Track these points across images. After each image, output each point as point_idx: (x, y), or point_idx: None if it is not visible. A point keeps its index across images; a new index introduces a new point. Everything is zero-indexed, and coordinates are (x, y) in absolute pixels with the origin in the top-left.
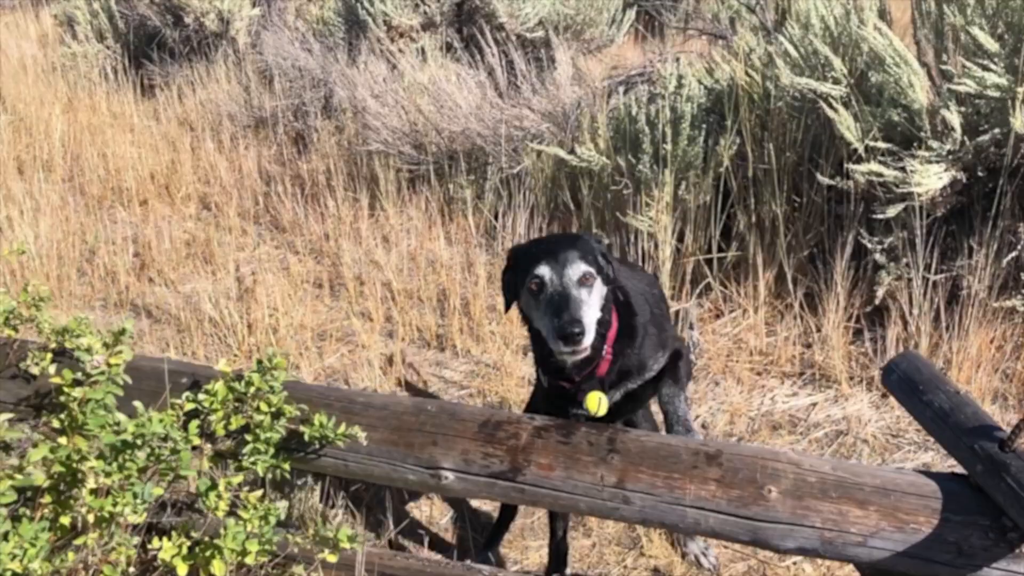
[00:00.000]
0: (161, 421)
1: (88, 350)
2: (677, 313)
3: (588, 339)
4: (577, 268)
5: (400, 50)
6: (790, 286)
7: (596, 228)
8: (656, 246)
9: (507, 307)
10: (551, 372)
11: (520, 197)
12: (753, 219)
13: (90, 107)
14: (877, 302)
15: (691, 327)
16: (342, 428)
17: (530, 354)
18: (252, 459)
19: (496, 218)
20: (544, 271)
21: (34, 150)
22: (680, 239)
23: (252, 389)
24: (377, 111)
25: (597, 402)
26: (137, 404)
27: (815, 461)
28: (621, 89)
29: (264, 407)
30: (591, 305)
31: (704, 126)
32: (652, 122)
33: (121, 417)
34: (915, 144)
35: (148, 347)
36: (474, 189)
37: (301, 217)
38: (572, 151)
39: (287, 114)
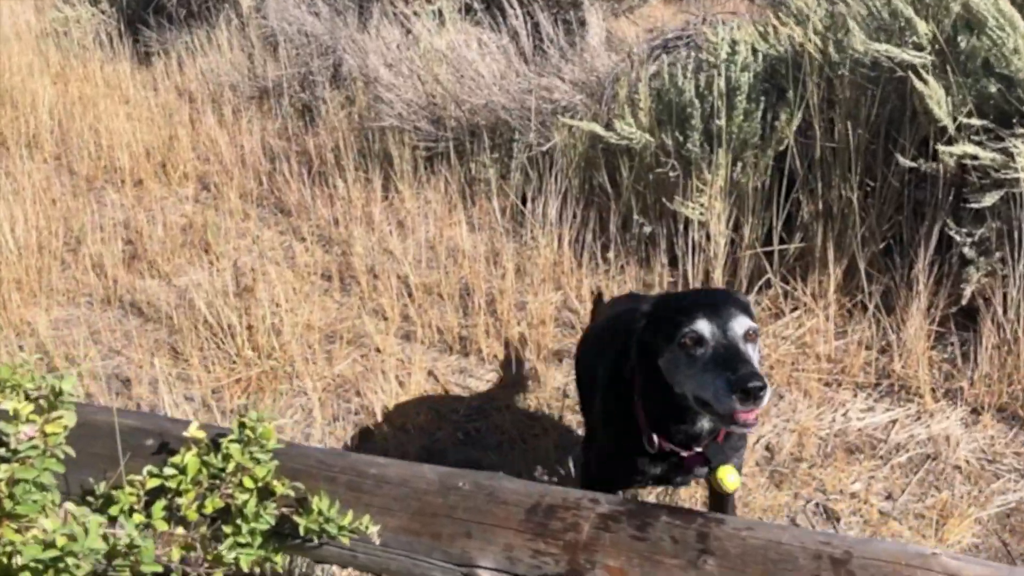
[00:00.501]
0: (108, 519)
1: (15, 417)
2: None
3: (767, 395)
4: (742, 322)
5: (415, 12)
6: (863, 282)
7: (638, 215)
8: (708, 237)
9: (629, 372)
10: (670, 436)
11: (550, 178)
12: (819, 206)
13: (83, 77)
14: (965, 302)
15: None
16: (347, 517)
17: (565, 367)
18: (234, 554)
19: (524, 202)
20: (703, 325)
21: (19, 125)
22: (735, 228)
23: (231, 464)
24: (390, 82)
25: (728, 477)
26: (70, 507)
27: (980, 570)
28: (663, 56)
29: (248, 483)
30: (758, 364)
31: (762, 99)
32: (702, 94)
33: (47, 524)
34: (1015, 120)
35: (135, 353)
36: (498, 169)
37: (308, 199)
38: (609, 126)
39: (293, 84)
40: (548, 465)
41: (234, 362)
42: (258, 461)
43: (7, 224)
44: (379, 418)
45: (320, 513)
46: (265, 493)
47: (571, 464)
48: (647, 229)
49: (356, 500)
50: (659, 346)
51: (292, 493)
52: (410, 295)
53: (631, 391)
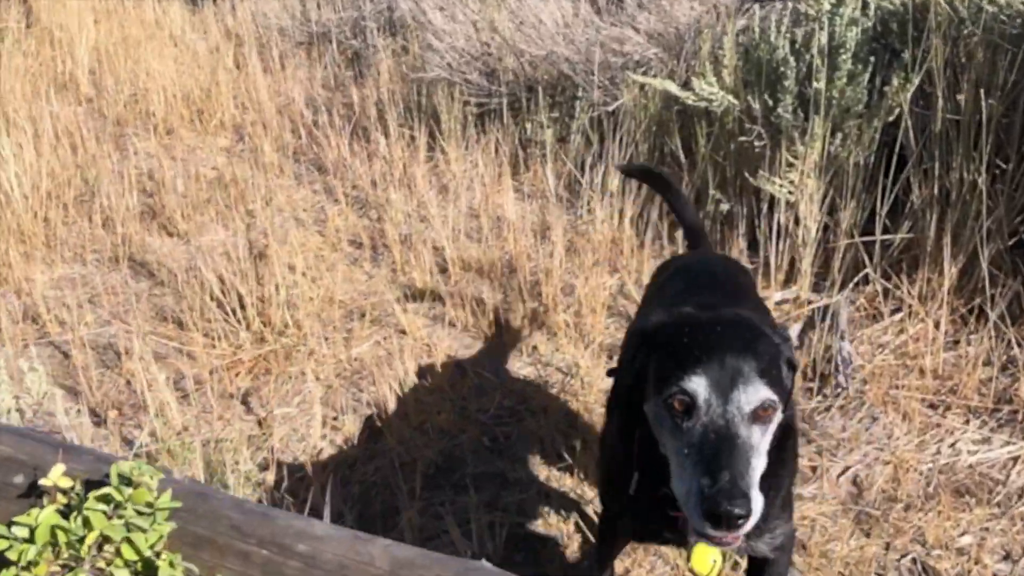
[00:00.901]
0: None
1: None
2: (824, 312)
3: (751, 522)
4: (754, 393)
5: None
6: (984, 284)
7: (714, 190)
8: (797, 220)
9: (617, 394)
10: (655, 484)
11: (614, 143)
12: (935, 190)
13: (131, 17)
14: None
15: (841, 336)
16: None
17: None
18: None
19: (581, 169)
20: (699, 387)
21: (56, 65)
22: (830, 212)
23: (91, 535)
24: (441, 27)
25: (710, 565)
26: None
27: None
28: (754, 8)
29: (128, 553)
30: (761, 455)
31: (871, 59)
32: (798, 51)
33: None
34: None
35: (136, 321)
36: (556, 131)
37: (347, 156)
38: (687, 85)
39: (344, 30)
40: (585, 484)
41: (242, 338)
42: (131, 530)
43: (18, 169)
44: (393, 414)
45: None
46: (149, 571)
47: None
48: (724, 207)
49: None
50: (648, 387)
51: None
52: (445, 270)
53: (636, 420)
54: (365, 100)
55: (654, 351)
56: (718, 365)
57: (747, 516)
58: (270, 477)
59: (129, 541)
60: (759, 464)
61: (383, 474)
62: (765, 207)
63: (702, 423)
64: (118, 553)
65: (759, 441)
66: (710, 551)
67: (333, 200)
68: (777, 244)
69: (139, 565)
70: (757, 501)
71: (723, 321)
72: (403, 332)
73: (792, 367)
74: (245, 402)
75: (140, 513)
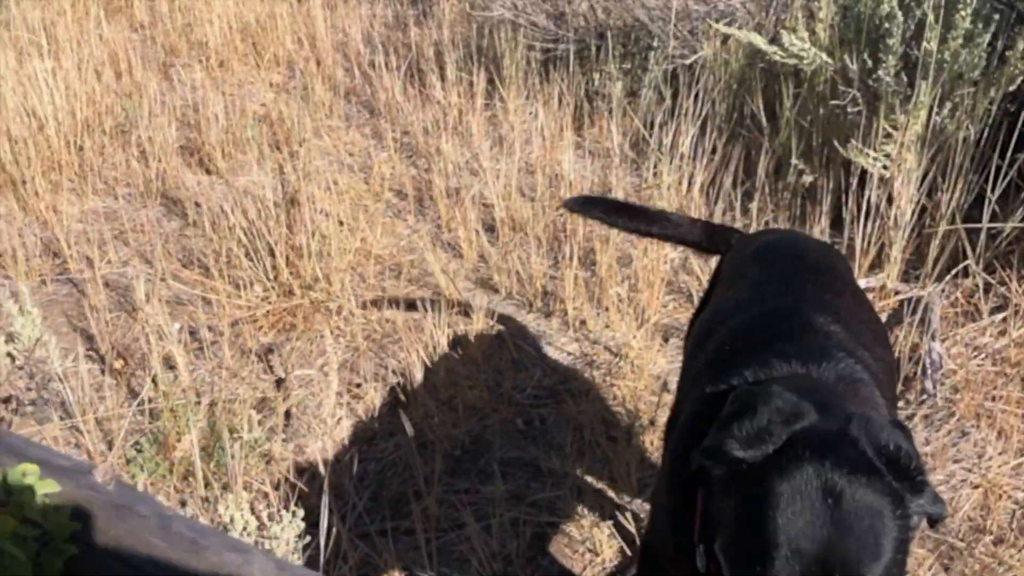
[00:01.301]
0: None
1: None
2: (913, 306)
3: None
4: None
5: None
6: None
7: (797, 159)
8: (890, 199)
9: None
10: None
11: (689, 100)
12: None
13: None
14: None
15: (932, 336)
16: None
17: (672, 340)
18: None
19: (651, 127)
20: None
21: None
22: (930, 193)
23: None
24: None
25: None
26: None
27: None
28: None
29: None
30: None
31: (994, 18)
32: (907, 6)
33: None
34: None
35: (160, 263)
36: (626, 83)
37: (400, 100)
38: (775, 40)
39: None
40: (626, 484)
41: (268, 290)
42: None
43: (56, 93)
44: (420, 385)
45: None
46: None
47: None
48: (807, 178)
49: None
50: (717, 521)
51: None
52: (493, 230)
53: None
54: (424, 41)
55: (737, 482)
56: (816, 566)
57: None
58: (277, 448)
59: None
60: None
61: (403, 453)
62: (854, 182)
63: None
64: None
65: None
66: None
67: (381, 146)
68: (865, 225)
69: None
70: None
71: (837, 492)
72: (440, 295)
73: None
74: (264, 359)
75: (23, 539)
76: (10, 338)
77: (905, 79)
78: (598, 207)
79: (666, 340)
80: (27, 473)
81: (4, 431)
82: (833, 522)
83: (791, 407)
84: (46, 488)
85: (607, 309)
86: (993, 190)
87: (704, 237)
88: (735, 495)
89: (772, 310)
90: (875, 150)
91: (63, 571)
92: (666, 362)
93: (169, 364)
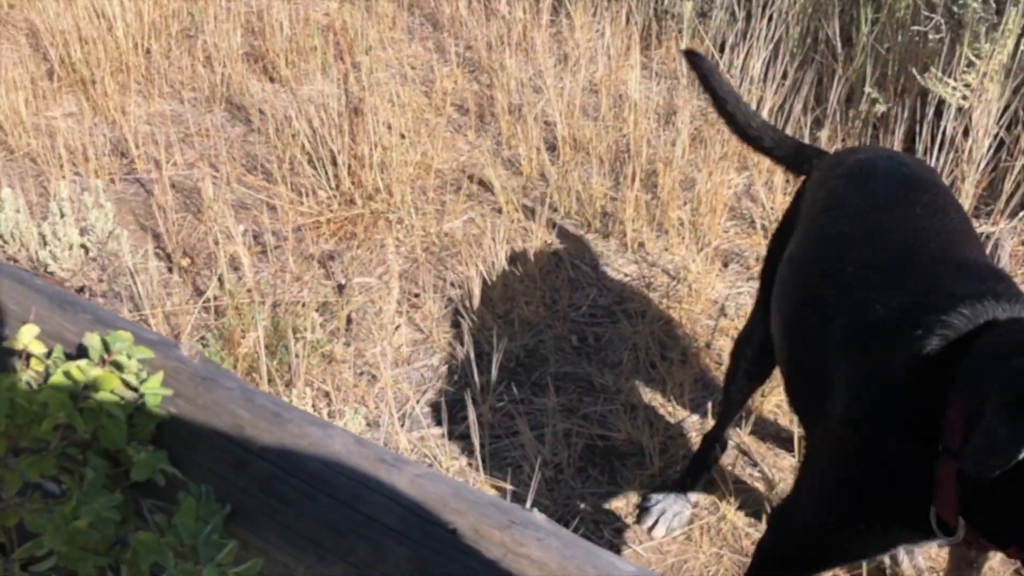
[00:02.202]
0: None
1: None
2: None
3: None
4: None
5: None
6: None
7: (871, 87)
8: (967, 131)
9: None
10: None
11: (763, 22)
12: None
13: None
14: None
15: None
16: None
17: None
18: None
19: (721, 49)
20: None
21: None
22: (1010, 126)
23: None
24: None
25: None
26: None
27: None
28: None
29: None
30: None
31: None
32: None
33: None
34: None
35: (225, 167)
36: (697, 3)
37: (464, 14)
38: None
39: None
40: (679, 403)
41: (330, 197)
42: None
43: None
44: (477, 298)
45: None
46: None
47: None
48: (881, 107)
49: (270, 514)
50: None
51: (163, 481)
52: (554, 148)
53: (934, 429)
54: None
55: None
56: None
57: None
58: (339, 349)
59: (105, 429)
60: None
61: (460, 361)
62: (930, 112)
63: None
64: (89, 444)
65: None
66: None
67: (444, 60)
68: (938, 156)
69: (120, 456)
70: None
71: None
72: (500, 211)
73: None
74: (325, 266)
75: (118, 400)
76: (83, 232)
77: (993, 5)
78: (710, 75)
79: (726, 265)
80: (123, 338)
81: (97, 307)
82: None
83: None
84: (140, 354)
85: (667, 232)
86: None
87: (792, 154)
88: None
89: (917, 244)
90: (955, 79)
91: (155, 434)
92: (724, 287)
93: (234, 265)
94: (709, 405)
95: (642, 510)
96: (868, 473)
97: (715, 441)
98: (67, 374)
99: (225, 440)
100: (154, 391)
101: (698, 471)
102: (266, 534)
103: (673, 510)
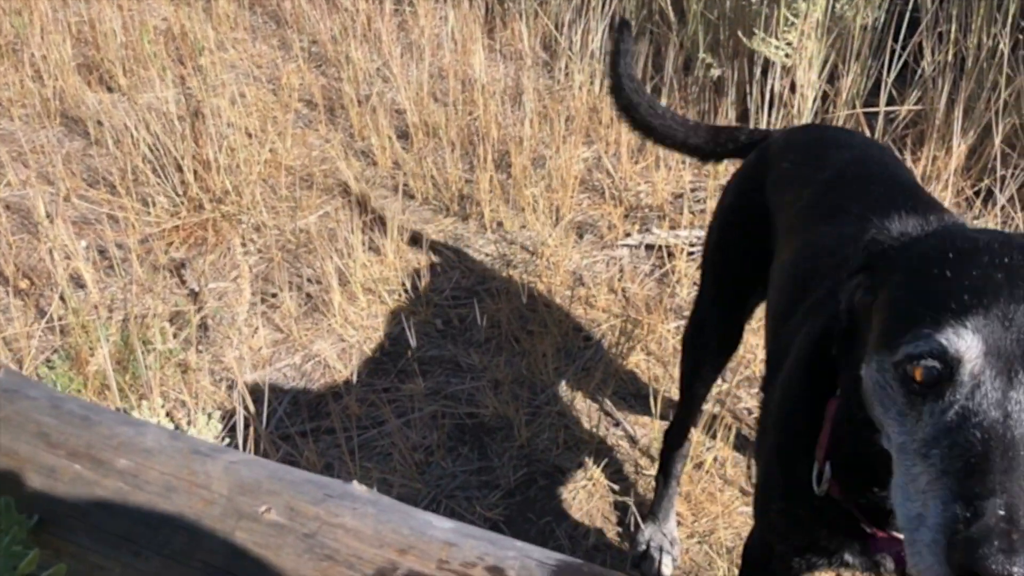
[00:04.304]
0: None
1: None
2: None
3: None
4: None
5: None
6: (996, 163)
7: (705, 53)
8: (793, 87)
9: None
10: (851, 488)
11: None
12: (948, 56)
13: None
14: None
15: None
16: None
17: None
18: None
19: (559, 28)
20: (965, 347)
21: None
22: (831, 80)
23: None
24: None
25: None
26: None
27: None
28: None
29: None
30: None
31: None
32: None
33: None
34: None
35: (64, 183)
36: None
37: (306, 8)
38: None
39: None
40: (542, 375)
41: (177, 205)
42: None
43: None
44: (336, 292)
45: None
46: None
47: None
48: (715, 72)
49: (81, 518)
50: (868, 336)
51: None
52: (406, 136)
53: (828, 382)
54: None
55: (888, 278)
56: (1004, 316)
57: None
58: (193, 358)
59: None
60: None
61: (321, 358)
62: (759, 72)
63: (960, 409)
64: None
65: None
66: None
67: (289, 56)
68: (770, 113)
69: None
70: None
71: (1014, 245)
72: (356, 203)
73: None
74: (177, 274)
75: None
76: None
77: None
78: (624, 56)
79: (581, 236)
80: None
81: None
82: (1013, 270)
83: None
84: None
85: (523, 210)
86: (889, 74)
87: (710, 139)
88: (887, 286)
89: None
90: (777, 39)
91: None
92: (580, 257)
93: (78, 283)
94: (570, 372)
95: (642, 556)
96: (791, 416)
97: (677, 448)
98: None
99: (31, 448)
100: None
101: (668, 491)
102: (78, 537)
103: (665, 547)
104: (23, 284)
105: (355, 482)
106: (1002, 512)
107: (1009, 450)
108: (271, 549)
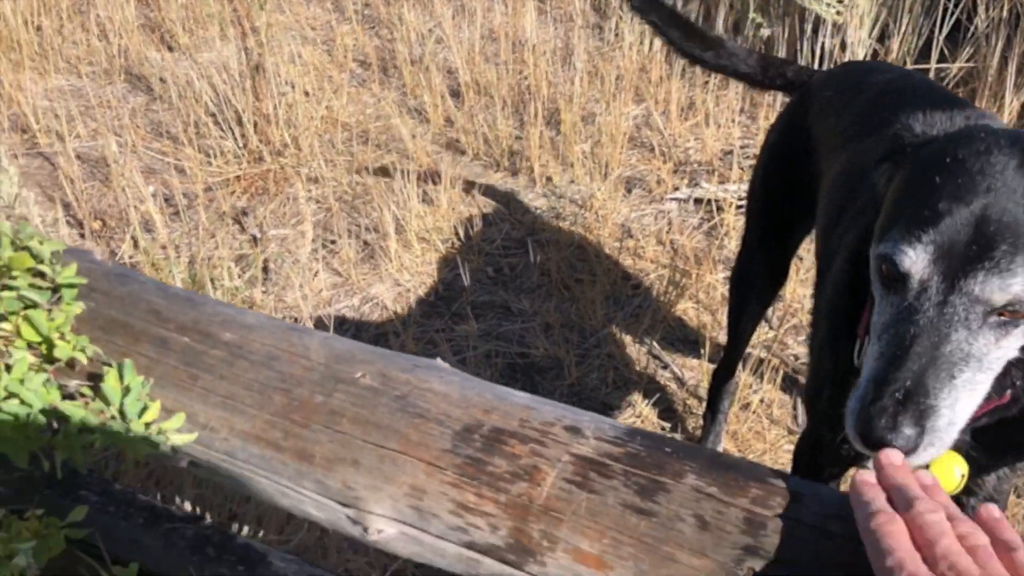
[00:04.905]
0: None
1: None
2: None
3: (930, 452)
4: (996, 285)
5: None
6: None
7: (755, 12)
8: (844, 46)
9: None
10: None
11: None
12: (1003, 12)
13: None
14: None
15: None
16: (152, 409)
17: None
18: None
19: None
20: (911, 258)
21: None
22: (881, 38)
23: None
24: None
25: (954, 473)
26: None
27: None
28: None
29: (28, 332)
30: (981, 372)
31: None
32: None
33: None
34: None
35: (130, 135)
36: None
37: None
38: None
39: None
40: (591, 320)
41: (239, 156)
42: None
43: None
44: (392, 239)
45: (109, 404)
46: (49, 356)
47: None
48: (765, 31)
49: (191, 381)
50: (873, 231)
51: (85, 360)
52: (458, 94)
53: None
54: None
55: (898, 174)
56: (958, 226)
57: (913, 449)
58: (258, 295)
59: (27, 319)
60: (971, 384)
61: (380, 299)
62: (809, 30)
63: (908, 306)
64: (18, 332)
65: (986, 352)
66: (954, 459)
67: (343, 18)
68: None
69: (43, 347)
70: (941, 432)
71: (1003, 145)
72: (411, 157)
73: None
74: (239, 221)
75: (36, 288)
76: None
77: None
78: (658, 12)
79: (629, 191)
80: (23, 228)
81: None
82: (986, 178)
83: None
84: (53, 246)
85: (572, 165)
86: (941, 32)
87: (759, 70)
88: (894, 181)
89: None
90: None
91: (74, 327)
92: (628, 210)
93: (147, 227)
94: (619, 317)
95: None
96: (839, 308)
97: (724, 383)
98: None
99: (143, 323)
100: (70, 280)
101: (715, 427)
102: (188, 401)
103: None
104: (96, 225)
105: (439, 359)
106: (899, 396)
107: (931, 343)
108: (367, 408)
